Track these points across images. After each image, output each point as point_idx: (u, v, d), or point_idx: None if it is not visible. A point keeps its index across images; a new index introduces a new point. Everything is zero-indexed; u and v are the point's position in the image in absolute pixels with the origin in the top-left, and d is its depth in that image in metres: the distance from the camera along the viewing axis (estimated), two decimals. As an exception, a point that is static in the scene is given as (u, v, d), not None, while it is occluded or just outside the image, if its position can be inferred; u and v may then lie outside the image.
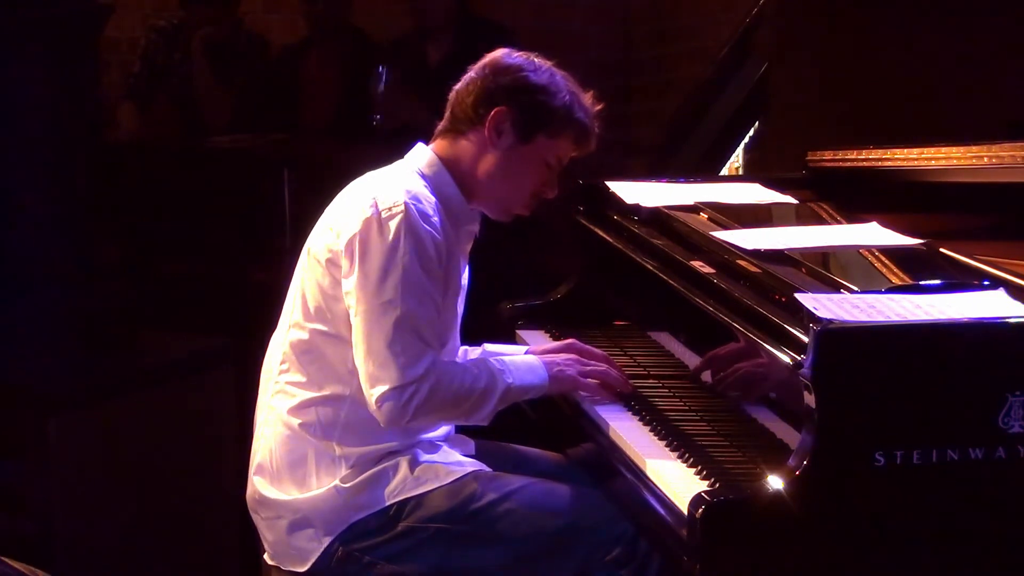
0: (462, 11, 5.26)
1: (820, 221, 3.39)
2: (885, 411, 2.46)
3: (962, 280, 2.75)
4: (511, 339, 3.50)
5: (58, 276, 4.08)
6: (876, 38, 4.19)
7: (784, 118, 4.53)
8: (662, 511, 2.63)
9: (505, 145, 2.95)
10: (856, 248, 3.07)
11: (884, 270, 2.95)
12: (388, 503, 2.89)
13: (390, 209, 2.83)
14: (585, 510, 2.89)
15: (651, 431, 2.88)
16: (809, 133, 4.24)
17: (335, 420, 2.90)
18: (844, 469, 2.46)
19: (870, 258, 3.02)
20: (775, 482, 2.45)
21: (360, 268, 2.83)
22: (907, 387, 2.47)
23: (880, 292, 2.67)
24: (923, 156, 3.38)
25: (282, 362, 2.97)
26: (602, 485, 2.95)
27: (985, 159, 3.21)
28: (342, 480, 2.89)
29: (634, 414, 2.97)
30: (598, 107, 3.00)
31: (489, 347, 3.18)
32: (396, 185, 2.89)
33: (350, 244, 2.84)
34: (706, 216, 3.34)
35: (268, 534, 2.99)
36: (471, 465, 2.98)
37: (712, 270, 3.01)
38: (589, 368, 3.04)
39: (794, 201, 3.55)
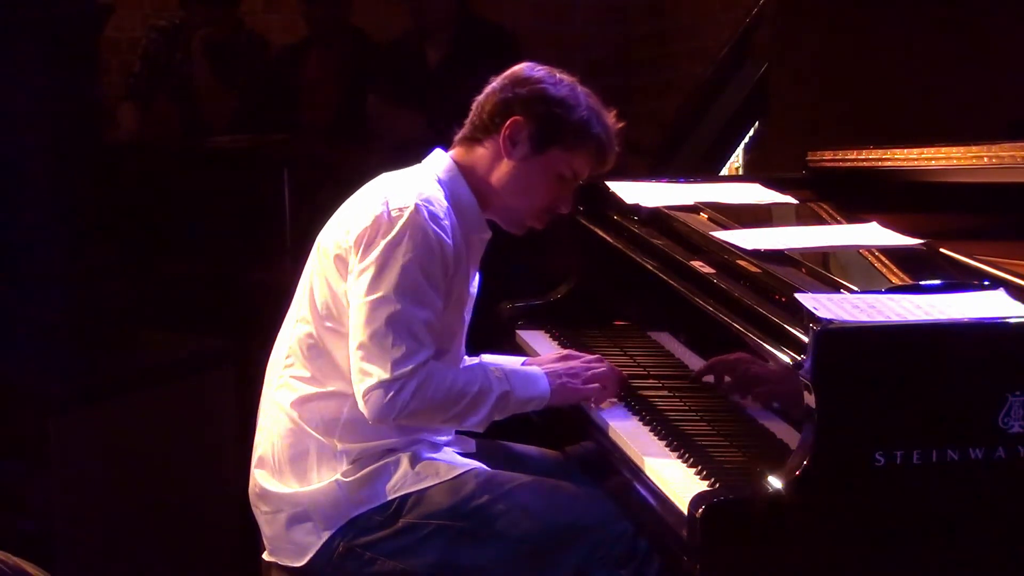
0: (462, 11, 5.26)
1: (820, 221, 3.39)
2: (885, 411, 2.46)
3: (962, 280, 2.75)
4: (511, 339, 3.50)
5: (58, 276, 4.08)
6: (876, 38, 4.19)
7: (784, 118, 4.52)
8: (662, 511, 2.63)
9: (519, 155, 2.96)
10: (856, 248, 3.07)
11: (884, 270, 2.95)
12: (389, 498, 2.89)
13: (400, 209, 2.84)
14: (585, 509, 2.89)
15: (651, 431, 2.88)
16: (809, 133, 4.24)
17: (337, 416, 2.91)
18: (844, 469, 2.46)
19: (870, 258, 3.02)
20: (775, 482, 2.45)
21: (361, 262, 2.84)
22: (907, 387, 2.47)
23: (880, 292, 2.67)
24: (923, 156, 3.38)
25: (287, 356, 2.98)
26: (602, 484, 2.95)
27: (985, 159, 3.20)
28: (343, 475, 2.90)
29: (634, 414, 2.98)
30: (620, 125, 3.00)
31: (487, 358, 3.17)
32: (410, 187, 2.90)
33: (358, 240, 2.86)
34: (706, 216, 3.34)
35: (267, 529, 3.00)
36: (472, 463, 2.98)
37: (712, 270, 3.01)
38: (590, 373, 3.03)
39: (794, 201, 3.55)
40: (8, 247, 4.03)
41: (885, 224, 3.16)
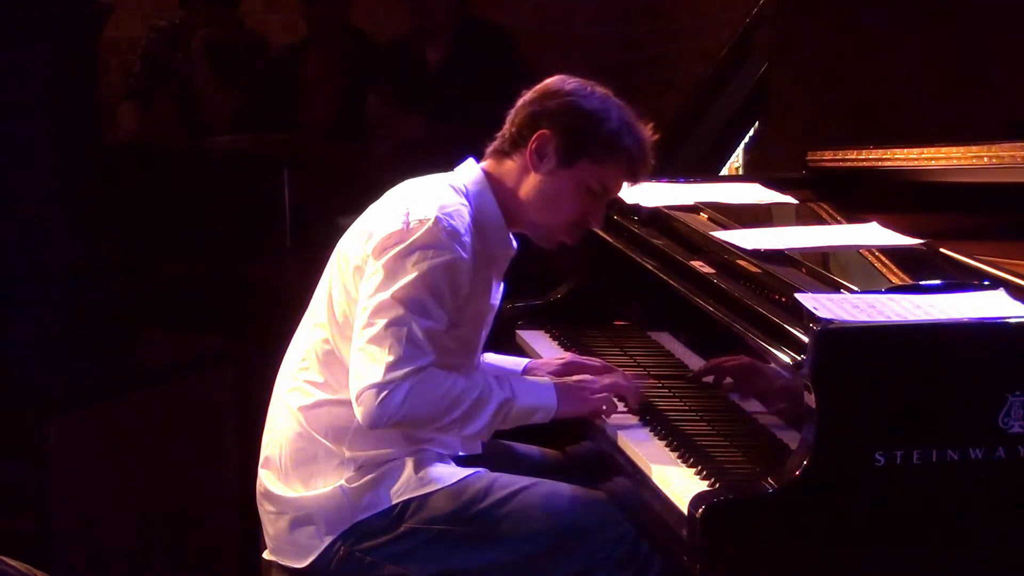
0: (462, 11, 5.26)
1: (820, 221, 3.39)
2: (885, 411, 2.46)
3: (962, 280, 2.75)
4: (511, 339, 3.50)
5: (58, 276, 4.08)
6: (876, 38, 4.19)
7: (784, 118, 4.52)
8: (662, 511, 2.63)
9: (546, 169, 2.90)
10: (856, 248, 3.07)
11: (884, 270, 2.95)
12: (392, 503, 2.88)
13: (420, 221, 2.80)
14: (587, 511, 2.88)
15: (651, 431, 2.88)
16: (809, 133, 4.24)
17: (347, 424, 2.88)
18: (844, 469, 2.46)
19: (870, 258, 3.02)
20: (775, 482, 2.45)
21: (371, 267, 2.82)
22: (907, 387, 2.47)
23: (880, 292, 2.67)
24: (923, 156, 3.38)
25: (303, 359, 2.96)
26: (602, 484, 2.95)
27: (985, 159, 3.21)
28: (347, 481, 2.89)
29: (634, 414, 2.97)
30: (654, 138, 2.94)
31: (489, 357, 3.15)
32: (432, 198, 2.85)
33: (375, 249, 2.82)
34: (706, 216, 3.34)
35: (270, 528, 3.00)
36: (474, 469, 2.97)
37: (712, 270, 3.01)
38: (600, 385, 2.99)
39: (794, 201, 3.55)
40: (8, 247, 4.03)
41: (885, 224, 3.16)
